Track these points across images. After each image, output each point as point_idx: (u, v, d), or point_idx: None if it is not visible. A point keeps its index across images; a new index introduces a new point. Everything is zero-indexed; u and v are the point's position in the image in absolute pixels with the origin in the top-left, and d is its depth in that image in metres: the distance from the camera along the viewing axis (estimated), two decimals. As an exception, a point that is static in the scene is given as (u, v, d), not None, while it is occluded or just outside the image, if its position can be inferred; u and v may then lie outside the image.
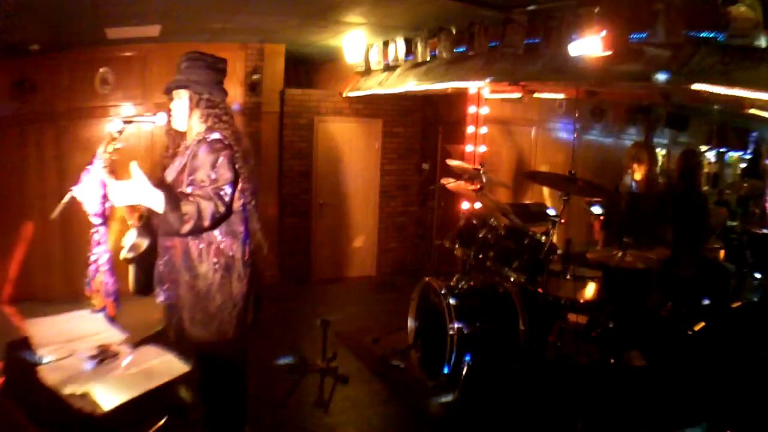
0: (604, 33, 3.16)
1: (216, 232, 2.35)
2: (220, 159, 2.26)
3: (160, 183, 2.19)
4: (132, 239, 2.33)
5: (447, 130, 6.17)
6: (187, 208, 2.09)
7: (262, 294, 2.62)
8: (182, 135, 2.49)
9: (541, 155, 6.59)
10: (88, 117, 5.46)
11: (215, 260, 2.35)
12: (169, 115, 2.46)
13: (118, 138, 2.23)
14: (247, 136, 2.54)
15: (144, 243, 2.32)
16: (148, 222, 2.35)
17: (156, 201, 2.01)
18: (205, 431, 2.46)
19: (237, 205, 2.38)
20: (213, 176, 2.24)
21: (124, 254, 2.32)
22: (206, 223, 2.14)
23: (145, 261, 2.41)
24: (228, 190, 2.24)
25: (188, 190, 2.27)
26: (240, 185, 2.37)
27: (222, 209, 2.20)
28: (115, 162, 2.22)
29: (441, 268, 5.89)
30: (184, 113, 2.43)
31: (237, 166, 2.32)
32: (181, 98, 2.42)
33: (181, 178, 2.34)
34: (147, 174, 2.00)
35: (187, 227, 2.09)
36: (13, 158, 5.26)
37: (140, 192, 1.99)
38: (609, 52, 3.19)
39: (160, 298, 2.46)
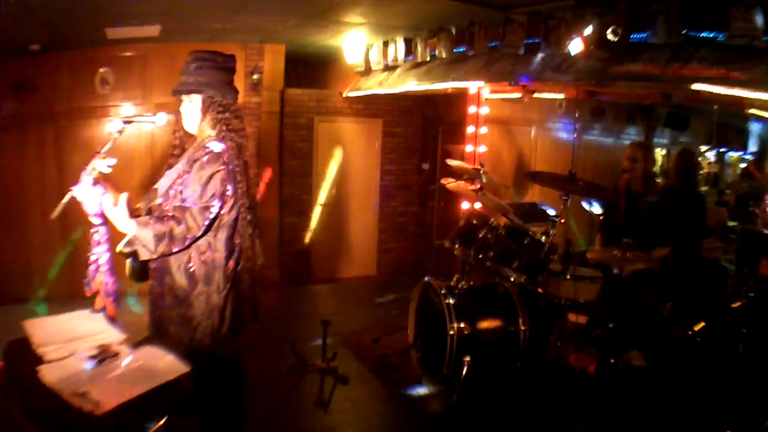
0: (588, 32, 3.17)
1: (201, 242, 2.33)
2: (215, 175, 2.26)
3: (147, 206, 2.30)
4: (130, 235, 2.33)
5: (447, 130, 6.17)
6: (160, 232, 2.18)
7: (261, 297, 2.61)
8: (191, 135, 2.48)
9: (541, 155, 6.58)
10: (88, 117, 5.46)
11: (196, 270, 2.35)
12: (179, 117, 2.45)
13: (109, 155, 2.22)
14: (251, 139, 2.52)
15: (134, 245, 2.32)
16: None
17: (129, 230, 2.17)
18: (204, 431, 2.46)
19: (228, 218, 2.36)
20: (201, 193, 2.25)
21: (121, 248, 2.32)
22: (180, 245, 2.24)
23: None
24: (214, 209, 2.27)
25: (180, 197, 2.30)
26: (233, 200, 2.35)
27: (197, 231, 2.25)
28: (105, 176, 2.23)
29: (441, 268, 5.89)
30: (195, 116, 2.40)
31: (232, 183, 2.32)
32: (192, 101, 2.38)
33: (177, 182, 2.35)
34: (147, 178, 2.05)
35: (160, 251, 2.20)
36: (13, 158, 5.26)
37: (116, 220, 2.16)
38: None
39: (150, 294, 2.48)
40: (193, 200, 2.26)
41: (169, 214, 2.28)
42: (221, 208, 2.31)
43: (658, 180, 5.53)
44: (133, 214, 2.25)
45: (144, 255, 2.22)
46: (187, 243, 2.25)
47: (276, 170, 6.33)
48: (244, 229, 2.41)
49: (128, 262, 2.44)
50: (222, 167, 2.28)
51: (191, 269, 2.35)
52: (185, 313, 2.36)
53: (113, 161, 2.22)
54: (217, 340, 2.41)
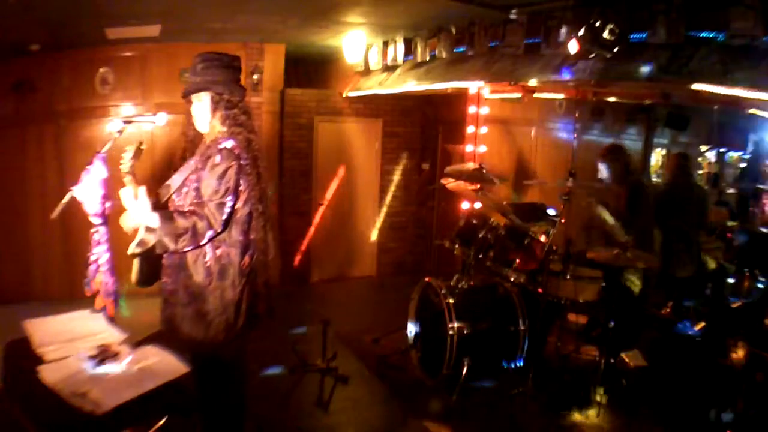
0: (581, 32, 3.17)
1: (216, 237, 2.36)
2: (228, 171, 2.30)
3: (158, 200, 2.31)
4: (140, 235, 2.35)
5: (447, 130, 6.17)
6: (183, 226, 2.20)
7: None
8: (201, 136, 2.51)
9: (542, 155, 6.58)
10: (88, 117, 5.46)
11: (211, 265, 2.37)
12: (190, 119, 2.49)
13: (118, 151, 2.25)
14: (259, 134, 2.54)
15: (152, 238, 2.34)
16: None
17: (152, 223, 2.17)
18: (204, 431, 2.46)
19: (241, 213, 2.40)
20: (216, 188, 2.29)
21: (132, 249, 2.33)
22: (201, 240, 2.26)
23: (152, 254, 2.43)
24: (230, 204, 2.31)
25: (193, 194, 2.33)
26: (246, 194, 2.38)
27: (218, 227, 2.28)
28: (135, 167, 2.26)
29: (441, 268, 5.89)
30: (206, 115, 2.45)
31: (244, 178, 2.36)
32: (202, 101, 2.43)
33: (191, 178, 2.38)
34: (147, 178, 2.08)
35: (181, 246, 2.22)
36: (13, 158, 5.26)
37: (140, 212, 2.17)
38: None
39: (163, 292, 2.48)
40: (209, 196, 2.29)
41: (189, 209, 2.31)
42: (235, 203, 2.35)
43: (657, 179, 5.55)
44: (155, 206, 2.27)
45: (162, 249, 2.24)
46: (206, 239, 2.28)
47: (276, 170, 6.32)
48: (257, 222, 2.45)
49: (136, 264, 2.44)
50: (234, 162, 2.32)
51: (206, 264, 2.37)
52: (200, 308, 2.38)
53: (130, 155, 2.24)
54: (231, 335, 2.43)
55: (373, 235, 7.01)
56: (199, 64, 2.42)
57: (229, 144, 2.35)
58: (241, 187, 2.36)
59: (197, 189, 2.33)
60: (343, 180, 6.74)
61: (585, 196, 4.04)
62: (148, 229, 2.25)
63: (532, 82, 4.13)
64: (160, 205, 2.38)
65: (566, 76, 3.61)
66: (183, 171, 2.44)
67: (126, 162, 2.21)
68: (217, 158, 2.31)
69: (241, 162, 2.35)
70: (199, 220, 2.24)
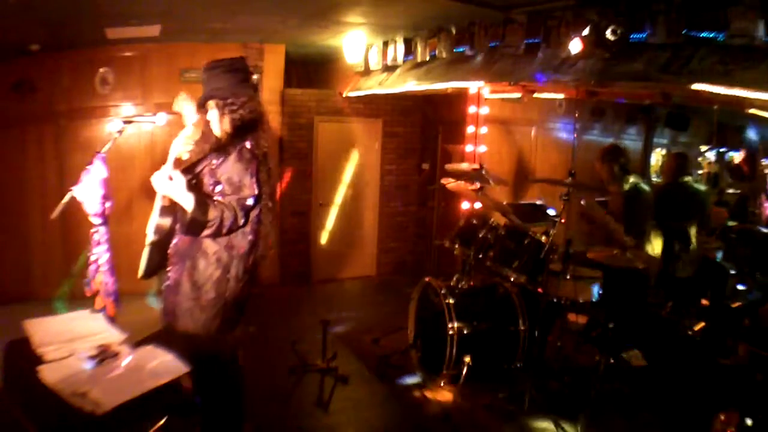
0: (586, 32, 3.17)
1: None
2: (248, 170, 2.39)
3: (190, 184, 2.35)
4: (155, 221, 2.38)
5: (447, 130, 6.17)
6: (213, 215, 2.27)
7: (262, 294, 2.64)
8: (217, 138, 2.57)
9: (542, 155, 6.58)
10: (88, 117, 5.46)
11: (218, 257, 2.43)
12: (209, 124, 2.57)
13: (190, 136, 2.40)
14: (268, 130, 2.59)
15: (167, 222, 2.38)
16: (171, 202, 2.43)
17: (187, 204, 2.24)
18: (204, 431, 2.46)
19: (254, 213, 2.47)
20: (238, 185, 2.37)
21: (150, 238, 2.37)
22: (224, 231, 2.34)
23: (165, 242, 2.48)
24: (250, 202, 2.40)
25: (216, 189, 2.40)
26: (258, 192, 2.45)
27: (241, 221, 2.37)
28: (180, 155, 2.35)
29: (441, 268, 5.89)
30: (217, 120, 2.54)
31: (261, 176, 2.44)
32: (211, 108, 2.53)
33: (204, 171, 2.44)
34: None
35: (207, 232, 2.30)
36: (13, 158, 5.26)
37: (178, 191, 2.23)
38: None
39: (165, 281, 2.53)
40: (232, 192, 2.37)
41: (216, 199, 2.37)
42: (256, 202, 2.43)
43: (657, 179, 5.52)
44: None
45: (185, 232, 2.31)
46: (230, 230, 2.36)
47: (276, 170, 6.31)
48: (265, 217, 2.54)
49: (146, 254, 2.47)
50: (254, 162, 2.41)
51: (213, 256, 2.42)
52: (202, 299, 2.43)
53: (187, 140, 2.36)
54: (225, 329, 2.48)
55: (373, 235, 7.00)
56: (203, 74, 2.53)
57: (247, 144, 2.43)
58: (256, 185, 2.43)
59: (216, 183, 2.40)
60: (344, 180, 6.73)
61: (583, 197, 4.07)
62: (164, 213, 2.30)
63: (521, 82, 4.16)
64: (192, 186, 2.43)
65: (541, 79, 3.65)
66: (198, 165, 2.50)
67: (187, 142, 2.27)
68: (236, 156, 2.39)
69: (259, 162, 2.43)
70: (226, 210, 2.32)
